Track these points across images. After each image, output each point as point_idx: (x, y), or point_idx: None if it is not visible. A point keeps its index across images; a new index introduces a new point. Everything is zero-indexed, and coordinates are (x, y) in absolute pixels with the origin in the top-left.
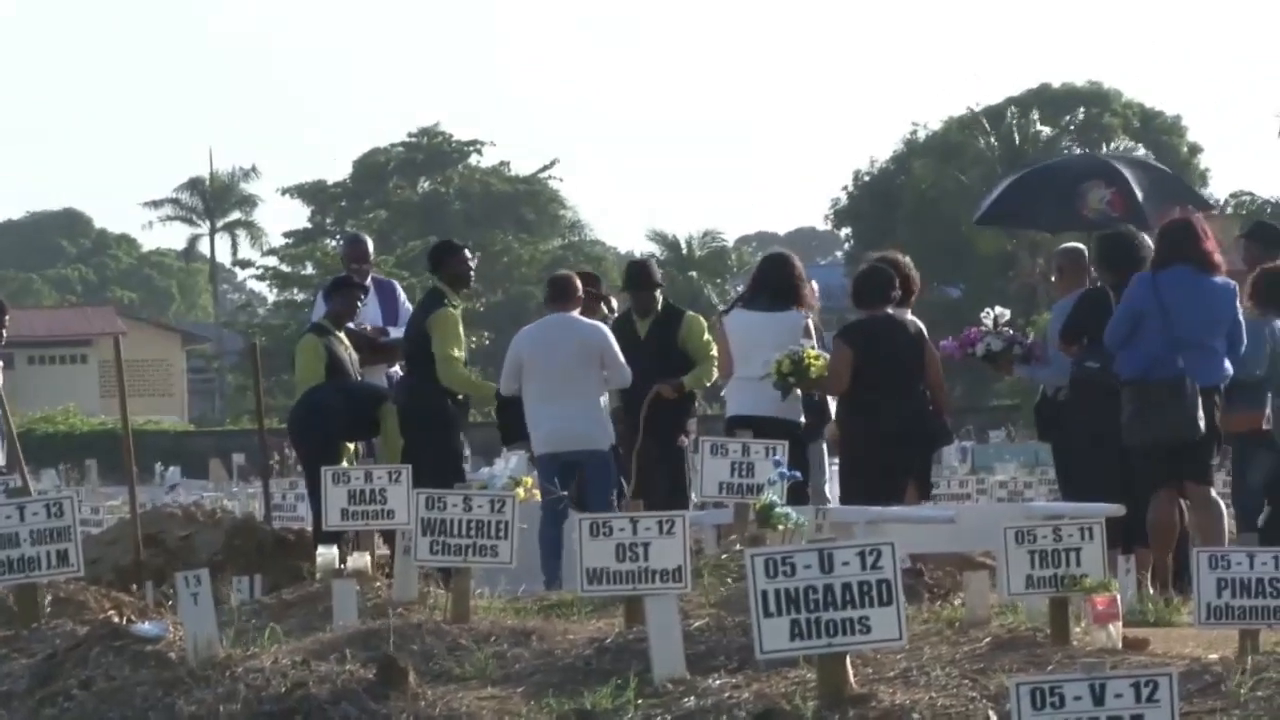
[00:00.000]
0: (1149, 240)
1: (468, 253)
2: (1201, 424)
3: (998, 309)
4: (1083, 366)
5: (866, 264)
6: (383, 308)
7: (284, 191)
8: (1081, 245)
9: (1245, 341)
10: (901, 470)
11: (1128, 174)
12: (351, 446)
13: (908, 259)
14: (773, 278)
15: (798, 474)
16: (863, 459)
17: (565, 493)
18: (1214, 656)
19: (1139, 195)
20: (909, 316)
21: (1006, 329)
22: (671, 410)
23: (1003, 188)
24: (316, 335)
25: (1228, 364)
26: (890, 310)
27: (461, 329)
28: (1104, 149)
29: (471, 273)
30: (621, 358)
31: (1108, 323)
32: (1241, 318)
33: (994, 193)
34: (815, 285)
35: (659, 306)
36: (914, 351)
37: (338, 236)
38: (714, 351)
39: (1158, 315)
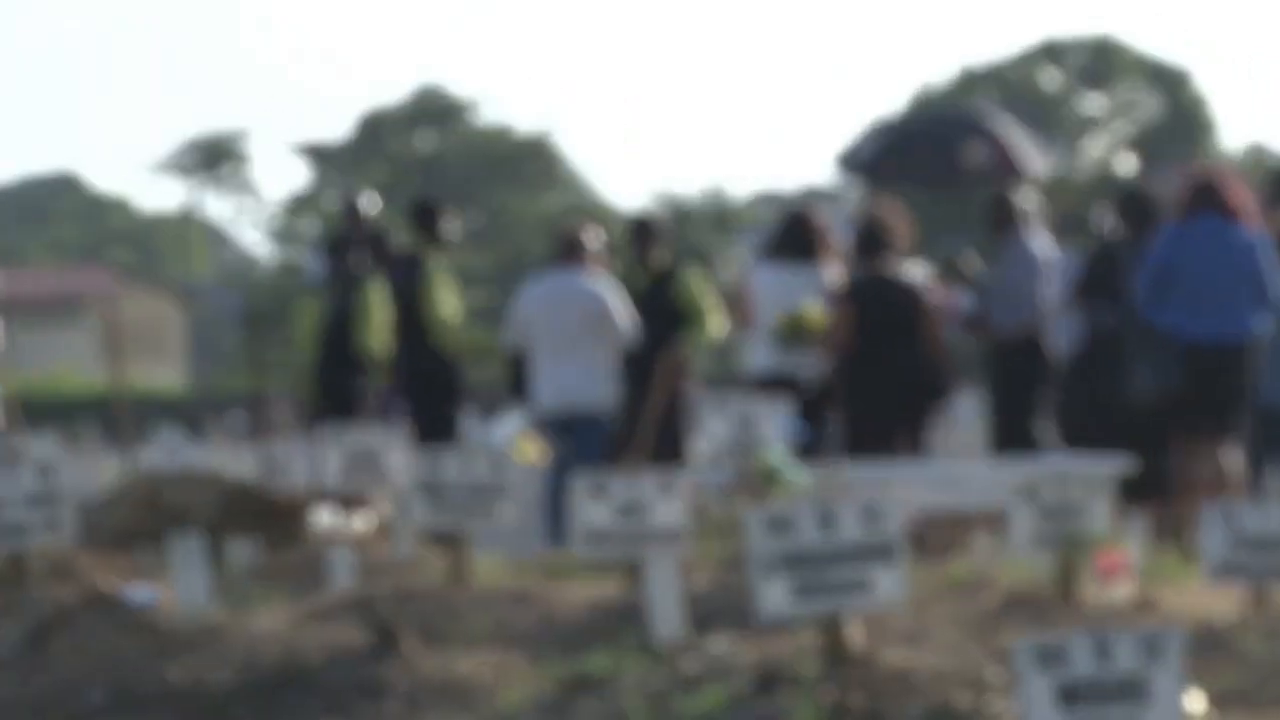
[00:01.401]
0: (1153, 198)
1: (447, 213)
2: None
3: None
4: (1099, 321)
5: (868, 220)
6: None
7: (283, 151)
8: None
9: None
10: (897, 424)
11: (1002, 130)
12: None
13: (901, 214)
14: (795, 232)
15: (801, 432)
16: (860, 415)
17: (562, 452)
18: (1223, 614)
19: (1018, 149)
20: (909, 268)
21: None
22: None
23: (879, 144)
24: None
25: (1262, 319)
26: (894, 266)
27: (453, 288)
28: (1112, 102)
29: (451, 233)
30: (625, 317)
31: (1117, 278)
32: (1273, 271)
33: (868, 144)
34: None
35: (660, 264)
36: (914, 307)
37: (339, 196)
38: (714, 307)
39: (1180, 269)
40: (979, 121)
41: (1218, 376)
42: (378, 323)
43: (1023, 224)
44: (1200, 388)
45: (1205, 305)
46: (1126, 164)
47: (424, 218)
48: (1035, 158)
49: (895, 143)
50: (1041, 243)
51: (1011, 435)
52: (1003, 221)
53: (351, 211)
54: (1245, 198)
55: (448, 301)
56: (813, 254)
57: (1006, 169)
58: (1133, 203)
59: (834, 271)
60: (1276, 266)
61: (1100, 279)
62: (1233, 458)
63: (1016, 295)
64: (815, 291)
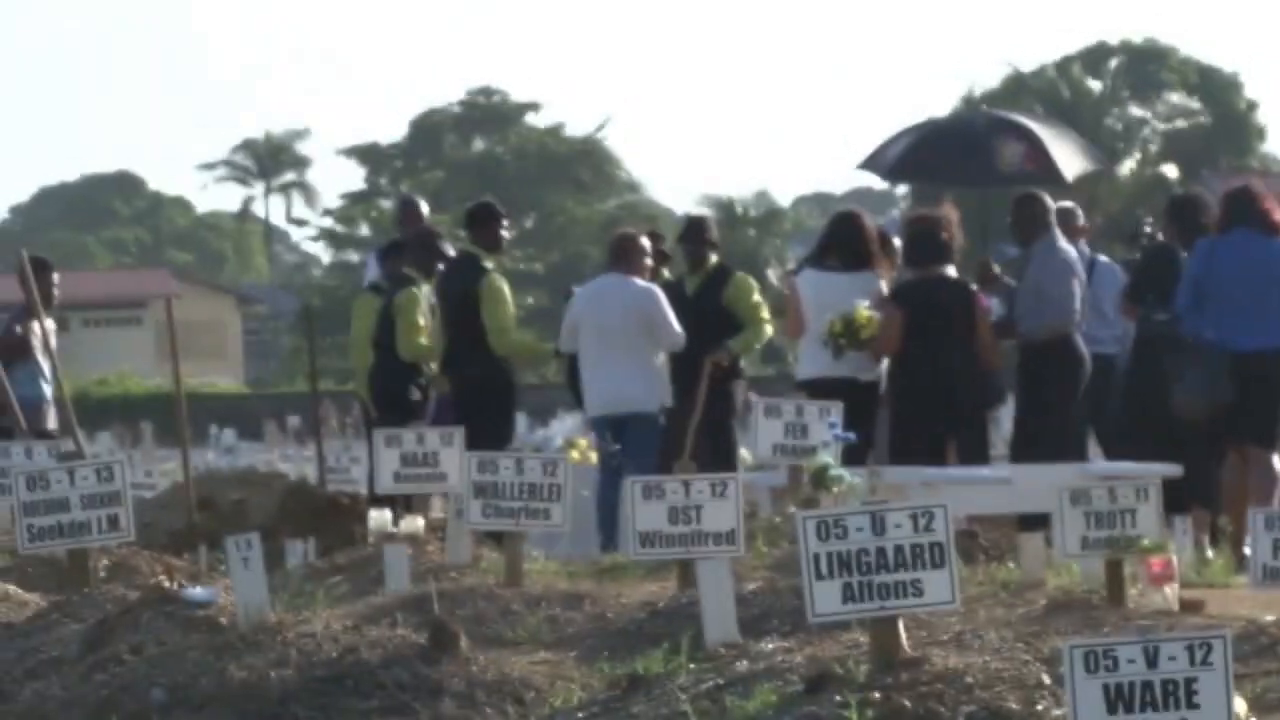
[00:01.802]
0: (1209, 201)
1: (505, 220)
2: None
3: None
4: (1150, 321)
5: (914, 224)
6: None
7: (339, 152)
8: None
9: None
10: (947, 430)
11: (1036, 128)
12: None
13: (952, 216)
14: (843, 236)
15: (851, 435)
16: (908, 418)
17: (618, 447)
18: (1270, 618)
19: (1051, 150)
20: (955, 275)
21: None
22: (718, 375)
23: (906, 142)
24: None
25: None
26: (944, 269)
27: (509, 294)
28: (1160, 106)
29: (505, 237)
30: (673, 320)
31: (1173, 278)
32: None
33: (895, 145)
34: (898, 242)
35: (710, 265)
36: (964, 310)
37: (394, 198)
38: (764, 313)
39: (1216, 281)
40: (1012, 121)
41: (1256, 385)
42: (407, 326)
43: (1052, 226)
44: (1240, 397)
45: (1241, 317)
46: (1171, 170)
47: (480, 221)
48: (1072, 158)
49: (925, 140)
50: (1070, 245)
51: (1037, 439)
52: (1032, 223)
53: (404, 214)
54: (1276, 208)
55: (502, 306)
56: (859, 258)
57: (1041, 168)
58: (1183, 207)
59: (880, 275)
60: None
61: (1151, 282)
62: (1268, 465)
63: (1045, 298)
64: (861, 296)
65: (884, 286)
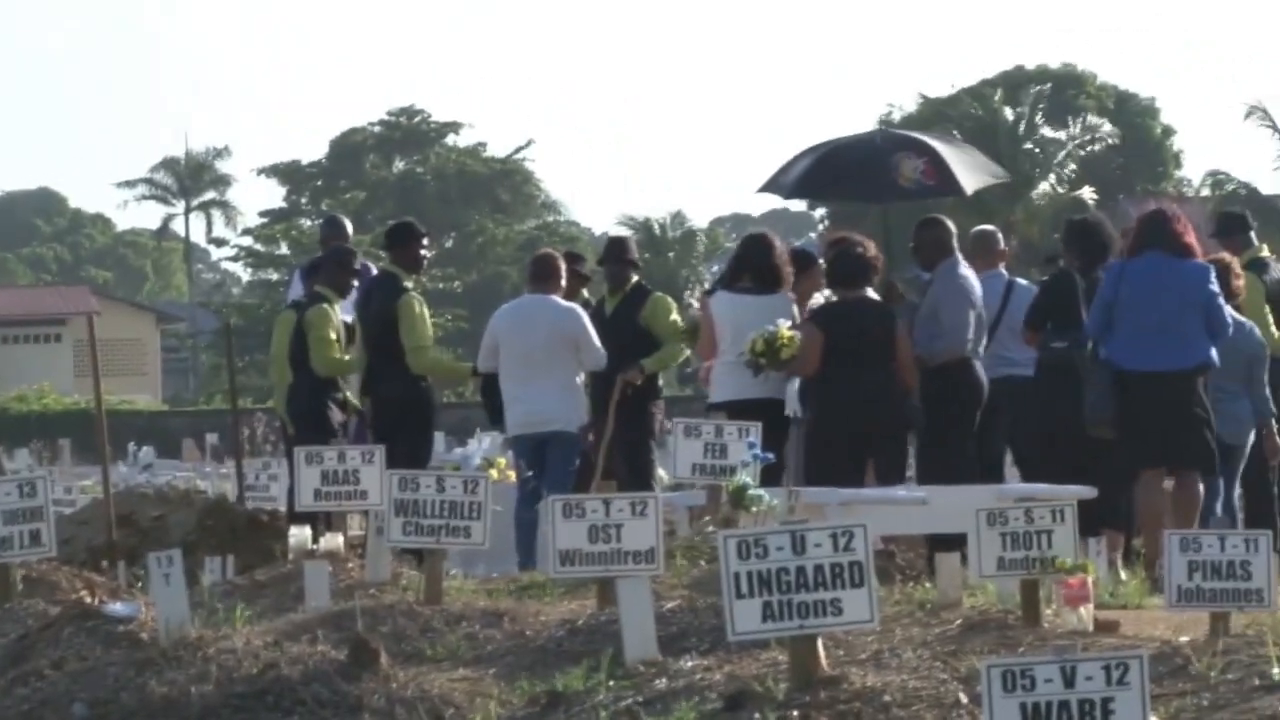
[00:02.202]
0: (1110, 226)
1: (425, 240)
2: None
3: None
4: (1049, 348)
5: (839, 246)
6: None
7: (259, 171)
8: (990, 227)
9: (1229, 324)
10: (866, 450)
11: (935, 145)
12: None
13: (869, 240)
14: (754, 258)
15: (771, 455)
16: (828, 438)
17: (532, 474)
18: (1184, 639)
19: (950, 164)
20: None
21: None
22: (634, 394)
23: (805, 162)
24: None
25: (1211, 348)
26: (865, 291)
27: (427, 313)
28: (1076, 130)
29: (426, 257)
30: (596, 340)
31: (1073, 305)
32: (1219, 299)
33: (796, 166)
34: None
35: (629, 285)
36: (885, 332)
37: (314, 217)
38: (677, 328)
39: (1126, 303)
40: (912, 138)
41: (1171, 408)
42: (318, 340)
43: (954, 250)
44: (1159, 421)
45: (1151, 338)
46: (1088, 193)
47: (400, 241)
48: (972, 172)
49: (825, 159)
50: (970, 271)
51: (933, 461)
52: (934, 247)
53: (329, 233)
54: (1192, 233)
55: (419, 324)
56: (771, 280)
57: (941, 182)
58: (1080, 233)
59: (792, 297)
60: (1220, 299)
61: (1051, 309)
62: (1189, 486)
63: (939, 324)
64: (773, 317)
65: (795, 309)
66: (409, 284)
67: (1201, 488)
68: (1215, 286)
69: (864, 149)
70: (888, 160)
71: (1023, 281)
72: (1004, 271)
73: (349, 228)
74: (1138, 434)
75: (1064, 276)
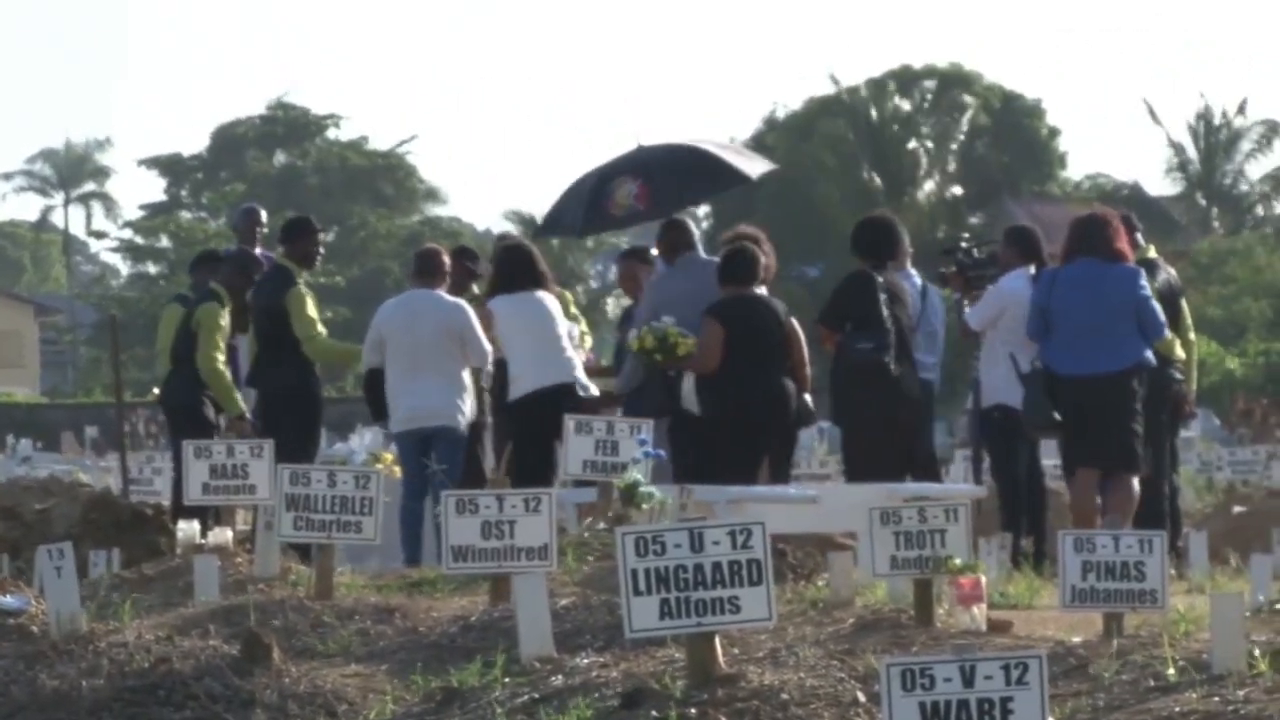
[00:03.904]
0: (896, 227)
1: (320, 235)
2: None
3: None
4: (856, 349)
5: (733, 244)
6: None
7: (140, 163)
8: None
9: (1163, 324)
10: (763, 448)
11: (658, 164)
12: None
13: (764, 237)
14: (515, 264)
15: (662, 453)
16: (726, 436)
17: (441, 466)
18: (1078, 639)
19: (667, 182)
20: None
21: None
22: None
23: (554, 202)
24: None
25: (1145, 349)
26: (758, 288)
27: (314, 304)
28: (961, 129)
29: (320, 253)
30: (482, 336)
31: (873, 305)
32: (1152, 303)
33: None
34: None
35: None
36: (780, 330)
37: (195, 210)
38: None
39: (1058, 308)
40: (635, 162)
41: (1103, 410)
42: (208, 340)
43: (695, 246)
44: (1088, 422)
45: (1083, 342)
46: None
47: (295, 235)
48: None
49: (562, 198)
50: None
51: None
52: (673, 247)
53: (246, 221)
54: (1124, 238)
55: (308, 312)
56: (536, 284)
57: (652, 206)
58: (872, 233)
59: (553, 297)
60: (1153, 300)
61: (850, 309)
62: (1123, 485)
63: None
64: (550, 318)
65: (558, 304)
66: (300, 279)
67: (1136, 484)
68: (1146, 289)
69: (583, 184)
70: (605, 187)
71: (934, 287)
72: (913, 271)
73: (263, 216)
74: (1071, 435)
75: (861, 276)
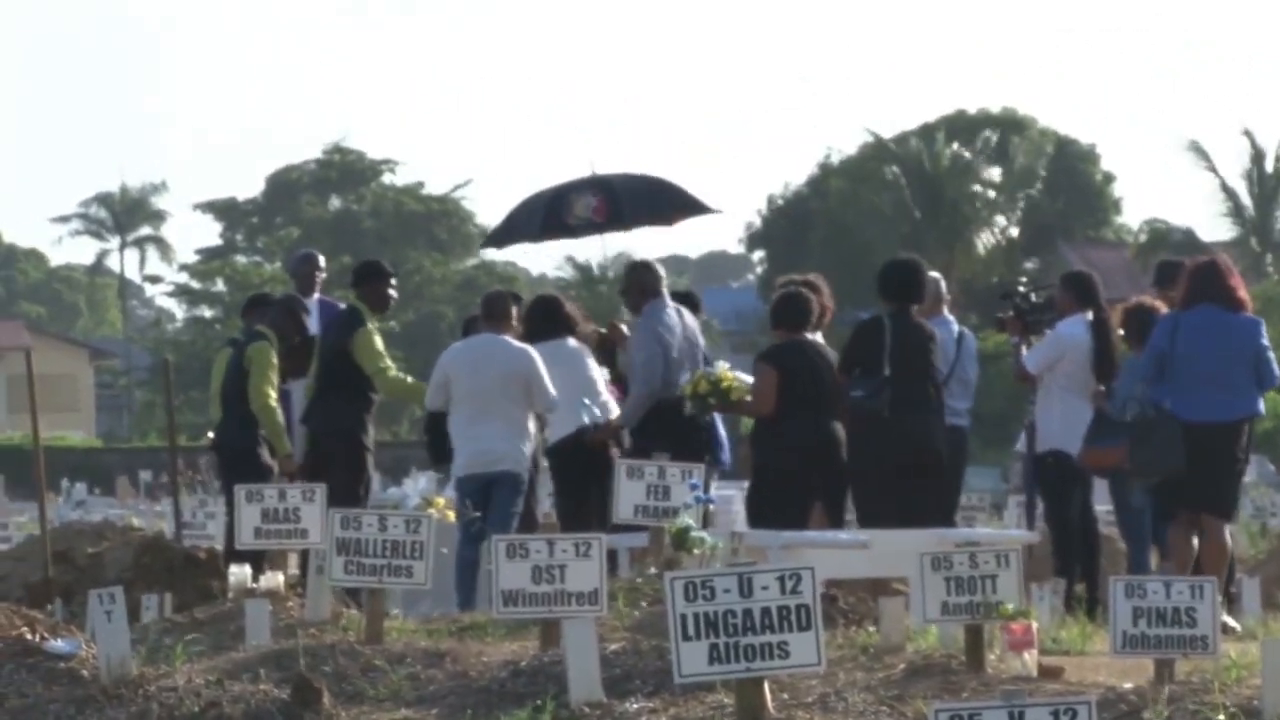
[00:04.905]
0: (929, 271)
1: (393, 279)
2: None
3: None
4: (849, 397)
5: (787, 288)
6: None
7: (195, 207)
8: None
9: (1278, 376)
10: (813, 494)
11: (619, 184)
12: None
13: (823, 283)
14: (544, 314)
15: (714, 497)
16: (777, 481)
17: (479, 514)
18: (1129, 685)
19: (626, 200)
20: (820, 341)
21: None
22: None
23: (512, 209)
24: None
25: (1258, 399)
26: (811, 334)
27: (382, 344)
28: (1016, 175)
29: (393, 299)
30: (548, 382)
31: (877, 352)
32: (1270, 353)
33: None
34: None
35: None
36: (831, 374)
37: (250, 254)
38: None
39: (1179, 355)
40: (599, 179)
41: (1213, 456)
42: (260, 377)
43: (662, 293)
44: (1198, 468)
45: (1202, 389)
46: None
47: (366, 279)
48: (641, 209)
49: (520, 206)
50: (674, 312)
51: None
52: (637, 291)
53: (304, 267)
54: (1240, 284)
55: (377, 349)
56: (566, 332)
57: (609, 219)
58: (895, 278)
59: (583, 342)
60: (1270, 351)
61: (860, 357)
62: (1217, 533)
63: (634, 365)
64: (569, 365)
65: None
66: (370, 321)
67: (1229, 534)
68: (1266, 339)
69: (549, 191)
70: (565, 197)
71: (968, 332)
72: (950, 318)
73: (321, 261)
74: (1182, 480)
75: (869, 323)
